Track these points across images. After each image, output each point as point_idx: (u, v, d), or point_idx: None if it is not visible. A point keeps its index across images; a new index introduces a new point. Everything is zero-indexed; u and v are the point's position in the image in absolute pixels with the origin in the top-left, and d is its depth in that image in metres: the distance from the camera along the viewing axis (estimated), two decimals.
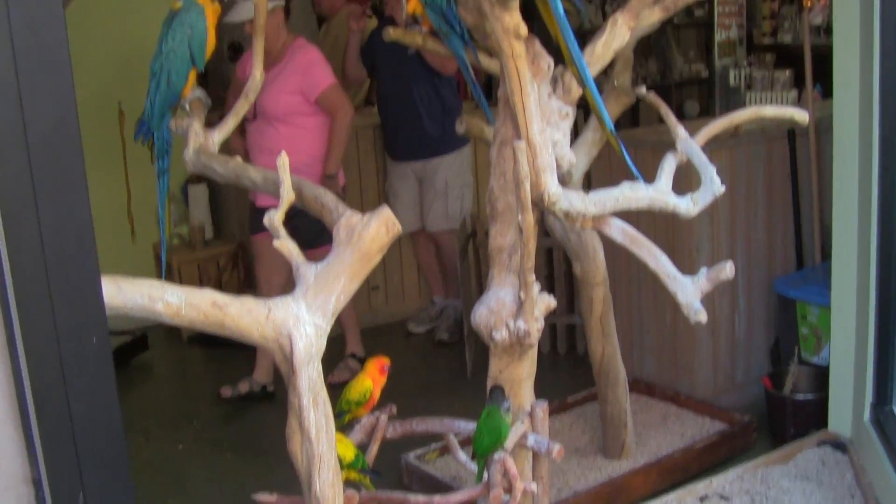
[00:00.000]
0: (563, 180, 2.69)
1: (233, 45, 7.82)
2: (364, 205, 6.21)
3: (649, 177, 2.89)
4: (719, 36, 8.74)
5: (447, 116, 5.69)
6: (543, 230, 4.66)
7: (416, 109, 5.72)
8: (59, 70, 1.12)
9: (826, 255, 4.74)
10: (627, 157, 2.75)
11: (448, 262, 6.02)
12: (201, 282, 6.45)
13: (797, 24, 9.56)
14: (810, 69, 5.26)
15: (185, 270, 6.44)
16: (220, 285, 6.44)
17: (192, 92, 2.88)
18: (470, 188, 5.99)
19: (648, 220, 3.76)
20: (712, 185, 2.85)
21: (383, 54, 5.64)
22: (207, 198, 6.65)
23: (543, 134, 2.48)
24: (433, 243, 6.07)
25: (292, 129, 4.95)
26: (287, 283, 5.10)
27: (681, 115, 10.12)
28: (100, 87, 6.20)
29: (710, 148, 3.21)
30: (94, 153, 6.09)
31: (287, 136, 4.92)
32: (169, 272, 6.30)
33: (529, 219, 2.47)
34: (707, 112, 9.98)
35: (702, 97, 10.31)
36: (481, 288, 4.31)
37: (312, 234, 4.39)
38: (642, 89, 3.36)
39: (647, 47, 9.63)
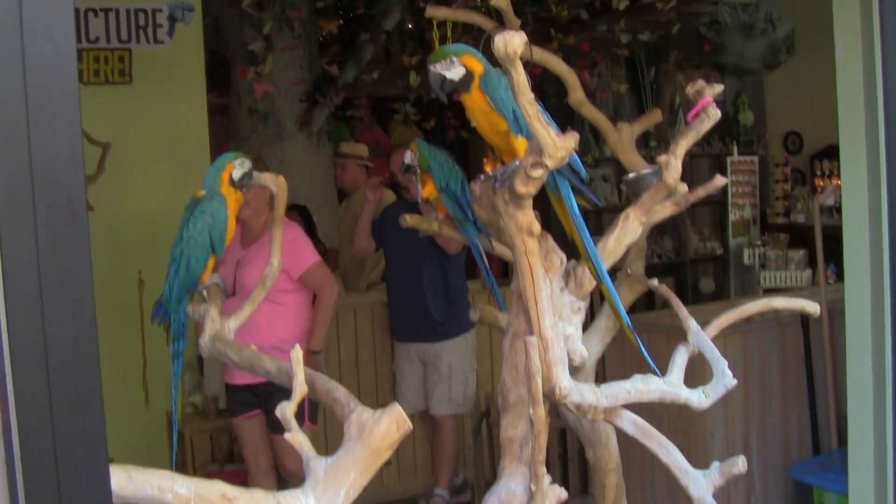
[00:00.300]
0: (576, 369, 2.70)
1: None
2: (378, 383, 6.23)
3: (663, 362, 2.90)
4: (733, 215, 8.85)
5: (453, 301, 5.67)
6: (556, 412, 4.65)
7: (421, 291, 5.67)
8: (81, 291, 1.16)
9: (843, 440, 4.70)
10: (644, 351, 2.77)
11: (444, 448, 5.89)
12: (213, 452, 6.41)
13: (810, 205, 9.70)
14: (821, 252, 5.32)
15: (196, 440, 6.40)
16: (231, 457, 6.40)
17: (211, 278, 2.93)
18: (474, 373, 5.90)
19: (662, 403, 3.75)
20: (724, 378, 2.85)
21: (393, 232, 5.59)
22: (222, 368, 6.66)
23: (555, 328, 2.50)
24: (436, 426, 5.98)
25: (274, 306, 4.83)
26: (273, 463, 5.07)
27: (696, 293, 10.20)
28: (122, 255, 6.31)
29: (724, 333, 3.22)
30: (113, 320, 6.16)
31: (268, 314, 4.79)
32: (181, 441, 6.27)
33: (541, 413, 2.47)
34: (722, 289, 10.03)
35: (717, 274, 10.40)
36: (494, 468, 4.26)
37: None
38: (654, 281, 3.40)
39: (663, 226, 9.74)
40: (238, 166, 2.87)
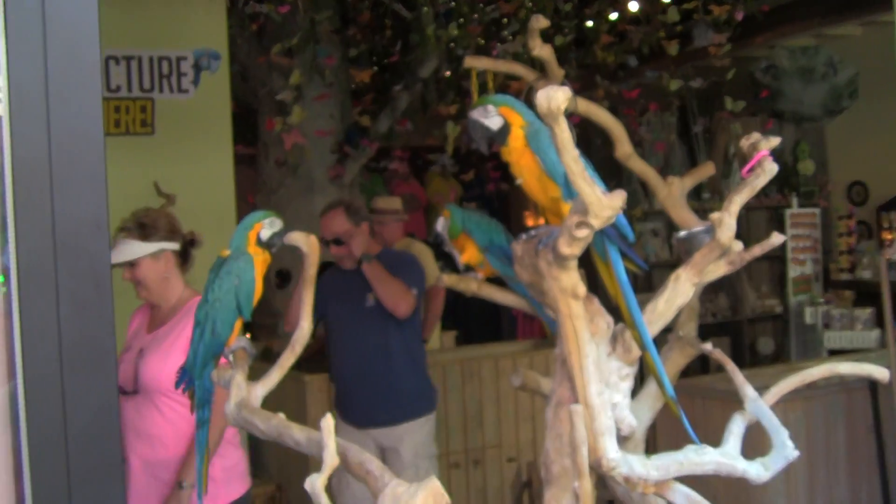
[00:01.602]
0: (624, 439, 2.69)
1: (281, 273, 8.03)
2: None
3: (718, 430, 2.88)
4: (793, 271, 8.82)
5: (417, 372, 5.34)
6: (604, 483, 4.61)
7: (380, 365, 5.23)
8: (104, 361, 1.19)
9: None
10: (688, 426, 2.76)
11: None
12: None
13: (877, 260, 9.63)
14: (889, 310, 5.28)
15: None
16: None
17: (237, 342, 2.94)
18: (436, 460, 5.44)
19: (718, 475, 3.73)
20: (784, 449, 2.83)
21: (336, 300, 5.26)
22: (245, 434, 6.68)
23: (602, 396, 2.50)
24: None
25: (178, 407, 4.02)
26: None
27: (754, 354, 10.14)
28: None
29: (784, 399, 3.20)
30: None
31: (172, 419, 4.03)
32: None
33: (587, 486, 2.48)
34: (782, 350, 9.97)
35: (776, 335, 10.34)
36: None
37: None
38: (707, 345, 3.39)
39: (717, 282, 9.70)
40: (267, 225, 2.89)
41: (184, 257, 4.27)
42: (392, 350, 5.24)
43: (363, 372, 5.25)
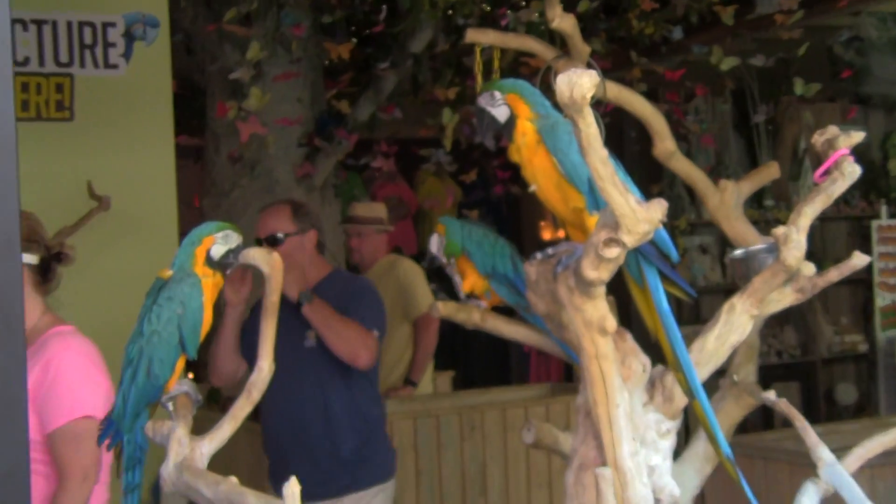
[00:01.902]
0: None
1: None
2: None
3: (786, 501, 2.89)
4: (882, 300, 8.80)
5: (367, 435, 5.17)
6: None
7: (319, 427, 5.06)
8: (12, 414, 1.19)
9: None
10: (749, 492, 2.77)
11: None
12: None
13: None
14: None
15: None
16: None
17: (178, 385, 2.93)
18: None
19: None
20: None
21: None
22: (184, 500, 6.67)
23: (636, 457, 2.51)
24: None
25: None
26: None
27: (831, 404, 10.13)
28: None
29: (871, 464, 3.20)
30: None
31: None
32: None
33: None
34: (867, 400, 9.97)
35: (860, 379, 10.33)
36: None
37: None
38: (770, 394, 3.40)
39: (784, 313, 9.73)
40: (220, 240, 2.86)
41: (44, 274, 4.03)
42: (331, 402, 5.07)
43: (297, 431, 5.10)
